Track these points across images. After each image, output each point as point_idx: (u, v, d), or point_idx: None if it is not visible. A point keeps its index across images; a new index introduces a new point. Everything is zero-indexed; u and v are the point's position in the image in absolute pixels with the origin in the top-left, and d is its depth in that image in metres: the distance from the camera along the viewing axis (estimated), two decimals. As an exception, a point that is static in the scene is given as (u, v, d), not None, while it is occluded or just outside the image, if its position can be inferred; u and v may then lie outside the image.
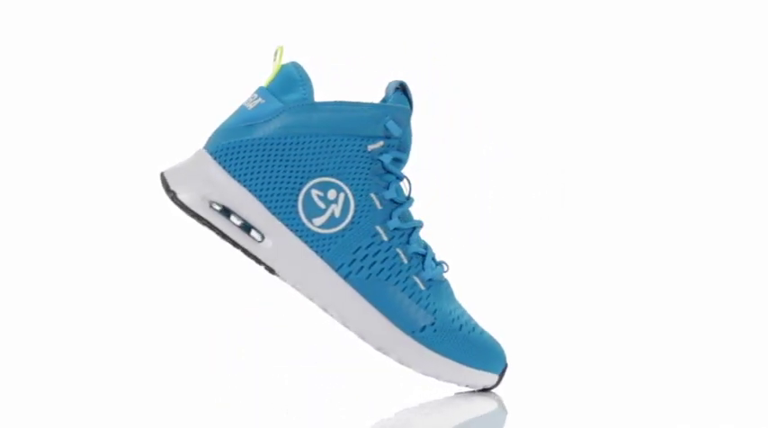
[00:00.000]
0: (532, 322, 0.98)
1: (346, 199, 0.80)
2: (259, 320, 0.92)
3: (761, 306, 1.03)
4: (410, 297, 0.80)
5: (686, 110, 1.12)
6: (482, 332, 0.83)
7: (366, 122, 0.80)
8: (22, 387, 0.79)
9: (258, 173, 0.79)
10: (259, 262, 0.80)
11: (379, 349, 0.80)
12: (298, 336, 0.90)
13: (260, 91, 0.82)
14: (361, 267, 0.79)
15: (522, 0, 1.08)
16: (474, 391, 0.82)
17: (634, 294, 1.05)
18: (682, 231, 1.10)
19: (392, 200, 0.81)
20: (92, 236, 1.00)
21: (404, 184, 0.83)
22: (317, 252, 0.79)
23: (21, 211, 1.00)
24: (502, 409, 0.80)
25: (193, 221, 0.80)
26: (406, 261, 0.81)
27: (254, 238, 0.79)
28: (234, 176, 0.79)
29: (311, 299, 0.80)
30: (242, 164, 0.79)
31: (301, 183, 0.79)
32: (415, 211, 0.84)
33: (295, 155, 0.79)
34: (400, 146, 0.81)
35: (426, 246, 0.83)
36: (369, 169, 0.80)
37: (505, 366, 0.83)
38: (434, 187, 0.90)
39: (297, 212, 0.79)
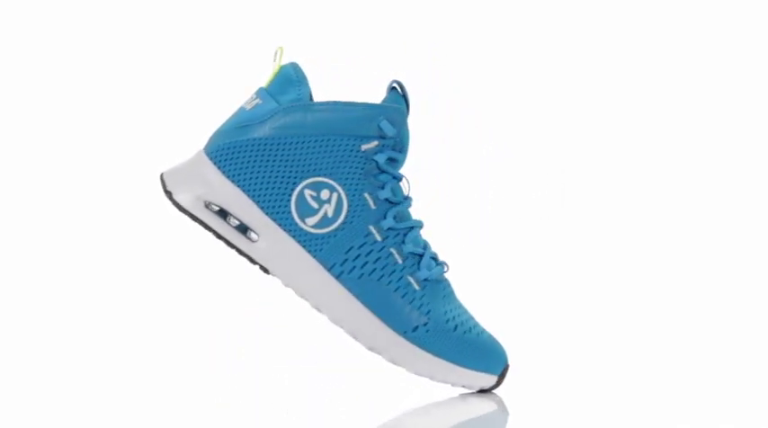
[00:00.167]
0: (535, 322, 0.98)
1: (339, 199, 0.80)
2: (256, 320, 0.93)
3: (761, 306, 1.02)
4: (403, 297, 0.80)
5: (685, 109, 1.11)
6: (480, 332, 0.82)
7: (359, 122, 0.80)
8: (20, 387, 0.80)
9: (252, 173, 0.80)
10: (253, 261, 0.81)
11: (371, 349, 0.80)
12: (295, 336, 0.90)
13: (259, 92, 0.83)
14: (353, 267, 0.80)
15: (521, 0, 1.08)
16: (473, 392, 0.82)
17: (635, 294, 1.04)
18: (681, 231, 1.09)
19: (387, 200, 0.81)
20: (92, 236, 1.02)
21: (403, 184, 0.83)
22: (309, 252, 0.80)
23: (25, 212, 1.02)
24: (501, 410, 0.79)
25: (193, 221, 0.81)
26: (400, 261, 0.81)
27: (249, 238, 0.80)
28: (228, 177, 0.80)
29: (304, 299, 0.80)
30: (236, 164, 0.80)
31: (294, 183, 0.80)
32: (415, 211, 0.84)
33: (288, 155, 0.80)
34: (395, 145, 0.81)
35: (426, 246, 0.82)
36: (362, 169, 0.80)
37: (506, 367, 0.82)
38: (434, 187, 0.90)
39: (290, 212, 0.80)
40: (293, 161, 0.80)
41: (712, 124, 1.11)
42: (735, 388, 0.85)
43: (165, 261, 0.98)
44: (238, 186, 0.80)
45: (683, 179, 1.10)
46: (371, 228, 0.80)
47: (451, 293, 0.83)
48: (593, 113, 1.09)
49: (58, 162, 1.03)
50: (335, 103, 0.81)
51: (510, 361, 0.82)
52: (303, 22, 1.01)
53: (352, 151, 0.80)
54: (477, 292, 0.86)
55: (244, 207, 0.80)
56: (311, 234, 0.80)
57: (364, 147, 0.80)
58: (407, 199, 0.82)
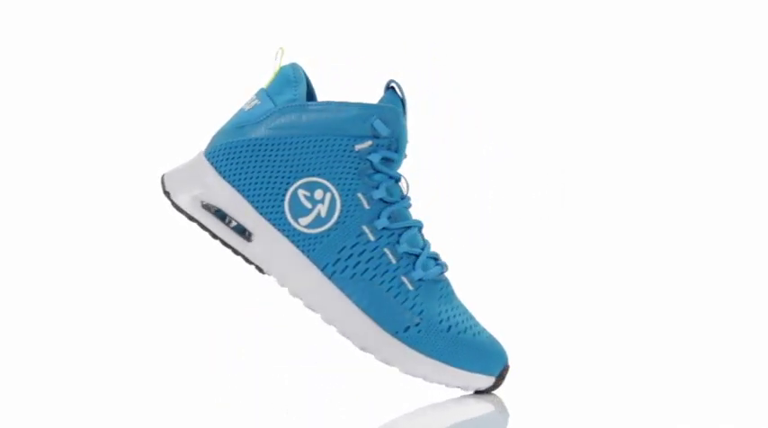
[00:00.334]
0: (535, 323, 0.97)
1: (333, 199, 0.80)
2: (252, 320, 0.93)
3: (760, 306, 1.01)
4: (395, 297, 0.80)
5: (684, 109, 1.10)
6: (477, 333, 0.81)
7: (353, 122, 0.80)
8: (19, 387, 0.81)
9: (247, 173, 0.80)
10: (248, 261, 0.81)
11: (363, 349, 0.80)
12: (289, 337, 0.90)
13: (259, 92, 0.83)
14: (346, 267, 0.79)
15: (521, 0, 1.07)
16: (471, 393, 0.81)
17: (635, 293, 1.03)
18: (681, 230, 1.08)
19: (382, 200, 0.81)
20: (92, 236, 1.03)
21: (402, 184, 0.82)
22: (303, 251, 0.80)
23: (31, 210, 1.04)
24: (499, 411, 0.78)
25: (190, 222, 0.81)
26: (394, 261, 0.80)
27: (244, 238, 0.80)
28: (224, 177, 0.81)
29: (298, 299, 0.80)
30: (232, 164, 0.81)
31: (288, 183, 0.80)
32: (416, 212, 0.83)
33: (282, 155, 0.80)
34: (390, 145, 0.81)
35: (424, 246, 0.82)
36: (356, 169, 0.80)
37: (504, 368, 0.81)
38: (434, 187, 0.90)
39: (283, 212, 0.80)
40: (287, 161, 0.80)
41: (710, 123, 1.10)
42: (734, 389, 0.84)
43: (163, 260, 0.99)
44: (233, 186, 0.81)
45: (682, 178, 1.10)
46: (365, 228, 0.80)
47: (450, 294, 0.82)
48: (592, 113, 1.09)
49: (67, 163, 1.05)
50: (329, 103, 0.81)
51: (512, 362, 0.82)
52: (306, 23, 1.02)
53: (345, 151, 0.80)
54: (477, 293, 0.86)
55: (239, 207, 0.80)
56: (304, 234, 0.80)
57: (358, 147, 0.80)
58: (404, 199, 0.82)
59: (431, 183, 0.87)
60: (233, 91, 0.86)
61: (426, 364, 0.80)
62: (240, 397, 0.80)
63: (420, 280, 0.81)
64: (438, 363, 0.80)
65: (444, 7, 1.05)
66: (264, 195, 0.80)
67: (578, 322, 0.99)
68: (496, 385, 0.81)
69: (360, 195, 0.80)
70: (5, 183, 1.04)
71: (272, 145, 0.80)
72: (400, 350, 0.79)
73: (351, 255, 0.80)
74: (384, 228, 0.81)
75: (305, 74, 0.84)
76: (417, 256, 0.81)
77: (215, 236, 0.81)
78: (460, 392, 0.81)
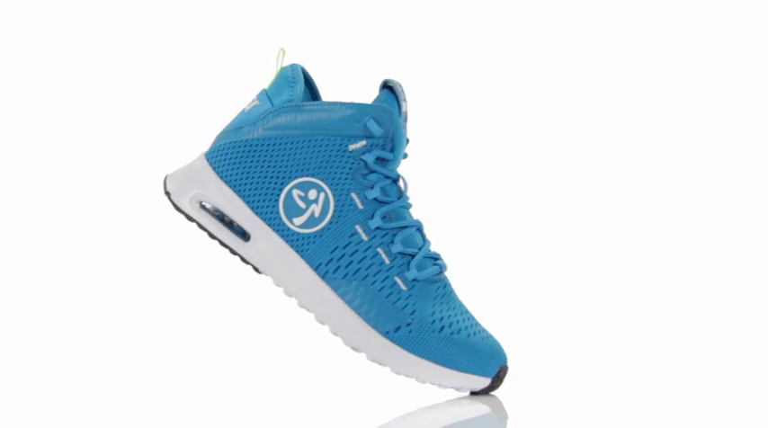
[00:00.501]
0: (535, 323, 0.96)
1: (326, 199, 0.80)
2: (248, 320, 0.94)
3: (760, 306, 1.00)
4: (387, 297, 0.79)
5: (682, 108, 1.09)
6: (474, 334, 0.80)
7: (346, 122, 0.80)
8: (18, 387, 0.82)
9: (243, 173, 0.81)
10: (245, 261, 0.81)
11: (354, 349, 0.80)
12: (286, 337, 0.90)
13: (260, 93, 0.84)
14: (338, 267, 0.80)
15: (520, 0, 1.06)
16: (467, 394, 0.81)
17: (635, 293, 1.02)
18: (680, 230, 1.06)
19: (376, 200, 0.81)
20: (92, 236, 1.04)
21: (400, 184, 0.82)
22: (297, 251, 0.80)
23: (38, 209, 1.05)
24: (495, 413, 0.78)
25: (189, 221, 0.82)
26: (387, 261, 0.80)
27: (241, 238, 0.81)
28: (222, 177, 0.82)
29: (293, 298, 0.81)
30: (229, 165, 0.81)
31: (283, 183, 0.80)
32: (416, 212, 0.83)
33: (277, 155, 0.80)
34: (385, 145, 0.81)
35: (421, 246, 0.81)
36: (350, 169, 0.80)
37: (501, 369, 0.80)
38: (434, 187, 0.89)
39: (278, 212, 0.80)
40: (282, 161, 0.80)
41: (706, 122, 1.09)
42: (734, 389, 0.83)
43: (162, 260, 1.00)
44: (230, 187, 0.81)
45: (681, 178, 1.09)
46: (358, 228, 0.80)
47: (448, 294, 0.82)
48: (593, 113, 1.08)
49: (78, 163, 1.06)
50: (324, 103, 0.81)
51: (513, 364, 0.81)
52: (312, 24, 1.02)
53: (339, 151, 0.80)
54: (480, 293, 0.85)
55: (236, 207, 0.81)
56: (299, 234, 0.80)
57: (352, 147, 0.80)
58: (401, 198, 0.82)
59: (434, 183, 0.86)
60: (241, 92, 0.87)
61: (418, 365, 0.79)
62: (233, 396, 0.80)
63: (414, 280, 0.80)
64: (429, 364, 0.79)
65: (444, 7, 1.05)
66: (260, 195, 0.81)
67: (583, 323, 0.98)
68: (494, 386, 0.81)
69: (353, 195, 0.80)
70: (12, 182, 1.06)
71: (267, 145, 0.81)
72: (391, 350, 0.79)
73: (343, 255, 0.80)
74: (378, 228, 0.80)
75: (305, 74, 0.84)
76: (413, 256, 0.81)
77: (213, 236, 0.82)
78: (457, 393, 0.81)
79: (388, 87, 0.82)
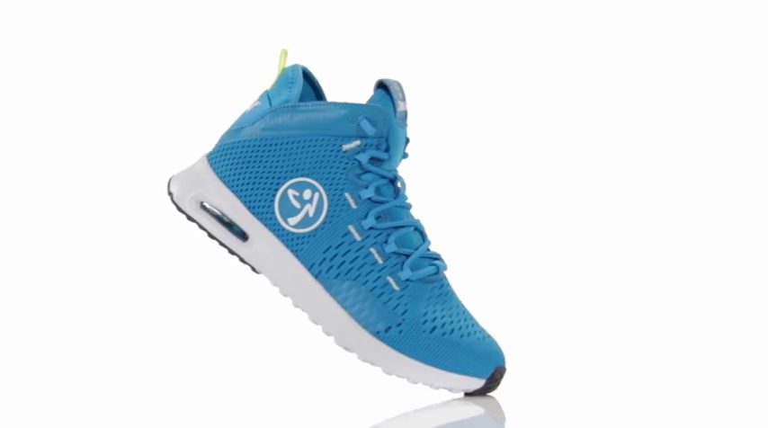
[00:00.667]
0: (535, 324, 0.96)
1: (320, 199, 0.80)
2: (244, 319, 0.94)
3: (760, 306, 0.99)
4: (378, 297, 0.79)
5: (681, 108, 1.07)
6: (468, 335, 0.80)
7: (339, 122, 0.80)
8: (17, 387, 0.83)
9: (241, 174, 0.82)
10: (243, 261, 0.82)
11: (346, 348, 0.80)
12: (281, 337, 0.90)
13: (262, 94, 0.84)
14: (331, 267, 0.80)
15: (520, 1, 1.05)
16: (466, 395, 0.80)
17: (636, 295, 1.01)
18: (680, 230, 1.05)
19: (370, 200, 0.81)
20: (93, 236, 1.05)
21: (397, 184, 0.82)
22: (292, 251, 0.81)
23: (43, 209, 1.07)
24: (490, 414, 0.77)
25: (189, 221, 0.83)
26: (380, 261, 0.80)
27: (240, 238, 0.81)
28: (221, 178, 0.82)
29: (288, 298, 0.81)
30: (228, 165, 0.82)
31: (278, 184, 0.81)
32: (418, 212, 0.83)
33: (273, 155, 0.81)
34: (380, 145, 0.81)
35: (419, 246, 0.81)
36: (344, 168, 0.80)
37: (497, 370, 0.80)
38: (436, 186, 0.89)
39: (274, 212, 0.81)
40: (278, 161, 0.81)
41: (704, 122, 1.08)
42: (733, 389, 0.83)
43: (161, 259, 1.01)
44: (229, 187, 0.82)
45: (680, 178, 1.07)
46: (351, 228, 0.80)
47: (445, 294, 0.81)
48: (593, 113, 1.07)
49: (83, 164, 1.08)
50: (318, 104, 0.81)
51: (510, 364, 0.80)
52: (317, 25, 1.03)
53: (333, 151, 0.80)
54: (479, 293, 0.85)
55: (234, 207, 0.82)
56: (293, 233, 0.81)
57: (346, 147, 0.80)
58: (398, 198, 0.81)
59: (436, 183, 0.86)
60: (248, 93, 0.87)
61: (408, 365, 0.79)
62: (227, 394, 0.81)
63: (407, 280, 0.80)
64: (420, 364, 0.79)
65: (445, 7, 1.04)
66: (256, 195, 0.81)
67: (582, 325, 0.97)
68: (489, 387, 0.80)
69: (347, 195, 0.80)
70: (15, 182, 1.07)
71: (264, 145, 0.81)
72: (381, 350, 0.79)
73: (336, 255, 0.80)
74: (371, 228, 0.80)
75: (309, 75, 0.85)
76: (408, 256, 0.80)
77: (212, 236, 0.83)
78: (453, 394, 0.80)
79: (383, 87, 0.82)
